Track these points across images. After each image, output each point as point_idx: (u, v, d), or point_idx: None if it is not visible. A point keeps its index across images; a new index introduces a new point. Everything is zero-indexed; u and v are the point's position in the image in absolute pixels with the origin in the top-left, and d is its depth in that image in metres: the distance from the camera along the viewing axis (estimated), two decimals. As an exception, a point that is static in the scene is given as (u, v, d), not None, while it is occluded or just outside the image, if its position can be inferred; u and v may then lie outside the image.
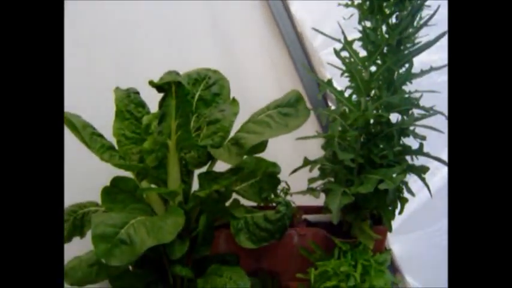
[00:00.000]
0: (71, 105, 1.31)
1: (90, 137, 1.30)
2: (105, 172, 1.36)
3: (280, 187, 1.49)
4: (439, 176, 1.67)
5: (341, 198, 1.27)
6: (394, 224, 1.42)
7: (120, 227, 1.12)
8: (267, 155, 1.46)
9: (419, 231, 1.79)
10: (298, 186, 1.46)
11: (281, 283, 1.47)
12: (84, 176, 1.60)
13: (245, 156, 1.41)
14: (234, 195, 1.47)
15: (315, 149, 1.48)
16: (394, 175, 1.27)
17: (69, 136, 1.30)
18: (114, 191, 1.34)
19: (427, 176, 1.34)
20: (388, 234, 1.59)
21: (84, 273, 1.28)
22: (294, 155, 1.47)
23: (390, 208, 1.37)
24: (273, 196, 1.48)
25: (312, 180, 1.39)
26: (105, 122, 1.39)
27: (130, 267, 1.38)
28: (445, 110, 1.19)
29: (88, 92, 1.63)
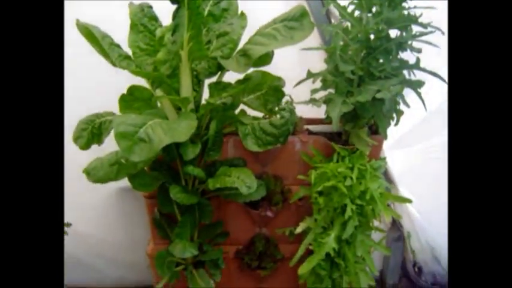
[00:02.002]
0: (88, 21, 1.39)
1: (109, 46, 1.36)
2: (120, 86, 1.44)
3: (284, 100, 1.56)
4: (435, 93, 1.75)
5: (341, 107, 1.36)
6: (390, 140, 1.50)
7: (140, 127, 1.21)
8: (273, 70, 1.54)
9: (414, 147, 1.89)
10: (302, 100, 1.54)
11: (284, 186, 1.57)
12: (100, 90, 1.70)
13: (252, 69, 1.50)
14: (242, 107, 1.57)
15: (317, 65, 1.54)
16: (391, 86, 1.35)
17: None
18: (130, 99, 1.41)
19: (423, 92, 1.40)
20: (384, 149, 1.70)
21: (106, 171, 1.38)
22: (298, 71, 1.52)
23: (386, 119, 1.47)
24: (277, 108, 1.56)
25: (314, 91, 1.47)
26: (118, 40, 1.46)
27: (146, 169, 1.50)
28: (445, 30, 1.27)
29: (102, 8, 1.69)
